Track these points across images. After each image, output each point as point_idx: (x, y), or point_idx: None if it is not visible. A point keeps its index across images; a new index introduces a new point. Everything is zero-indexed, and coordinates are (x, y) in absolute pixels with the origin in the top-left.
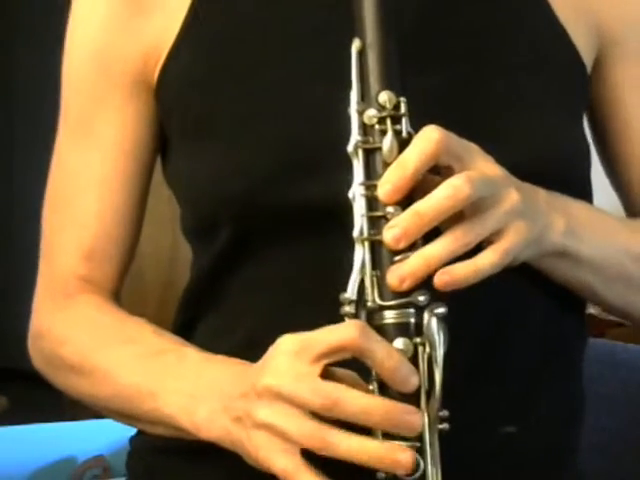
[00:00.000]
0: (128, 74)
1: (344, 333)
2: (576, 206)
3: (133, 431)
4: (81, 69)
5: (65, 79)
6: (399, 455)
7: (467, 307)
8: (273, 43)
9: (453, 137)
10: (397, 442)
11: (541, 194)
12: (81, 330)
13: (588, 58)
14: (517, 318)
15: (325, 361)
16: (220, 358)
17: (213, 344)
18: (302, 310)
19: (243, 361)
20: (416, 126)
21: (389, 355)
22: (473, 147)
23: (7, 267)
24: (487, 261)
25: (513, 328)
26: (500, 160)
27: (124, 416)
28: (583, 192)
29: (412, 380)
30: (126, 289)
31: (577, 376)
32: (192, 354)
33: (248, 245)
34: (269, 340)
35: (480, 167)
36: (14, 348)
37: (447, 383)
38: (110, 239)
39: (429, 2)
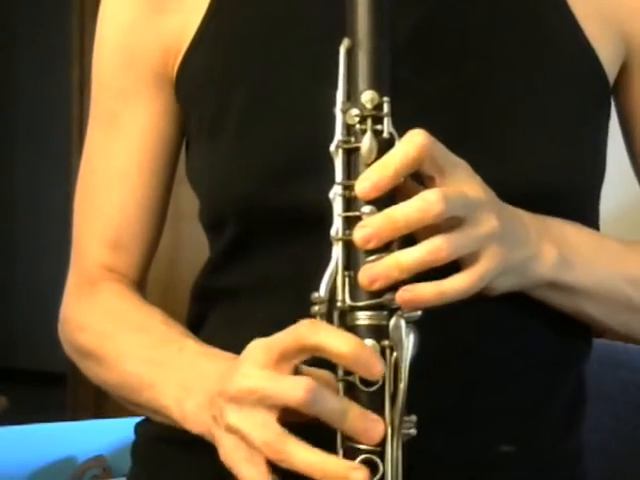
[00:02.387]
0: (151, 70)
1: (293, 332)
2: (572, 232)
3: (133, 431)
4: (108, 65)
5: (94, 75)
6: (353, 475)
7: (467, 325)
8: (286, 43)
9: (440, 147)
10: (360, 448)
11: (531, 222)
12: (98, 317)
13: (612, 69)
14: (520, 338)
15: (291, 361)
16: (215, 353)
17: (223, 335)
18: (300, 308)
19: (236, 357)
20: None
21: (344, 342)
22: (460, 163)
23: (8, 269)
24: (455, 285)
25: (515, 347)
26: (493, 173)
27: (130, 403)
28: (583, 214)
29: (374, 364)
30: None
31: (581, 385)
32: (191, 346)
33: (252, 242)
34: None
35: (461, 184)
36: (14, 348)
37: (445, 400)
38: (133, 231)
39: (441, 5)
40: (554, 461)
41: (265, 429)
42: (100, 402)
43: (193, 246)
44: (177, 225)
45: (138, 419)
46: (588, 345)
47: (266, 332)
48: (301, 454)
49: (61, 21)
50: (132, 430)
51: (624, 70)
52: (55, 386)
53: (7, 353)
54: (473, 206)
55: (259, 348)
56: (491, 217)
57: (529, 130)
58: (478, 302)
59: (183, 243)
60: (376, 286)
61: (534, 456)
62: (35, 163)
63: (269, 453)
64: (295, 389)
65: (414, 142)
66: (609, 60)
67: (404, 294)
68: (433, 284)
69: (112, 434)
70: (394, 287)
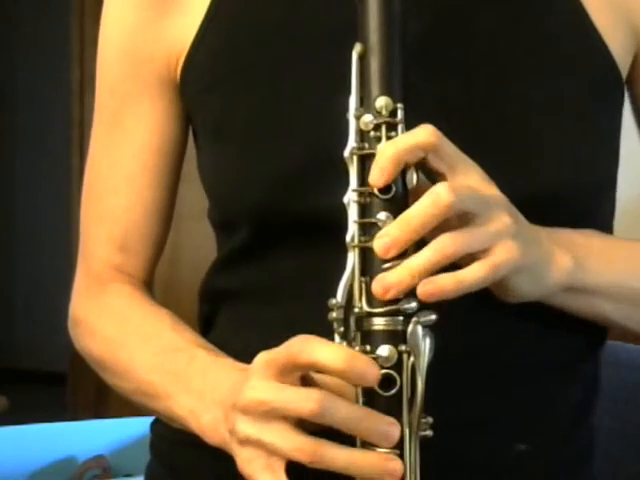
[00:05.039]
0: (155, 73)
1: (286, 350)
2: (581, 237)
3: (133, 432)
4: (112, 69)
5: (98, 78)
6: (389, 465)
7: (479, 323)
8: (291, 47)
9: (450, 144)
10: (379, 450)
11: (540, 230)
12: (107, 322)
13: (624, 63)
14: (533, 336)
15: (291, 375)
16: (226, 362)
17: (234, 337)
18: (310, 312)
19: (247, 367)
20: None
21: (336, 356)
22: (473, 165)
23: (8, 270)
24: (471, 274)
25: (528, 346)
26: (504, 173)
27: (147, 409)
28: (594, 214)
29: (370, 372)
30: None
31: (594, 384)
32: (201, 356)
33: (262, 245)
34: (282, 339)
35: (474, 184)
36: (14, 348)
37: (457, 399)
38: (140, 233)
39: (449, 6)
40: (566, 459)
41: (289, 435)
42: (100, 402)
43: (194, 246)
44: (178, 225)
45: (138, 419)
46: (601, 341)
47: (277, 334)
48: (333, 453)
49: (61, 22)
50: (132, 430)
51: (636, 62)
52: (55, 386)
53: (7, 353)
54: (485, 203)
55: (261, 363)
56: (504, 215)
57: (540, 130)
58: (491, 305)
59: (184, 243)
60: (390, 295)
61: (547, 455)
62: (35, 164)
63: (303, 457)
64: (305, 400)
65: (423, 133)
66: (621, 52)
67: (426, 287)
68: (450, 274)
69: (112, 434)
70: (410, 293)
